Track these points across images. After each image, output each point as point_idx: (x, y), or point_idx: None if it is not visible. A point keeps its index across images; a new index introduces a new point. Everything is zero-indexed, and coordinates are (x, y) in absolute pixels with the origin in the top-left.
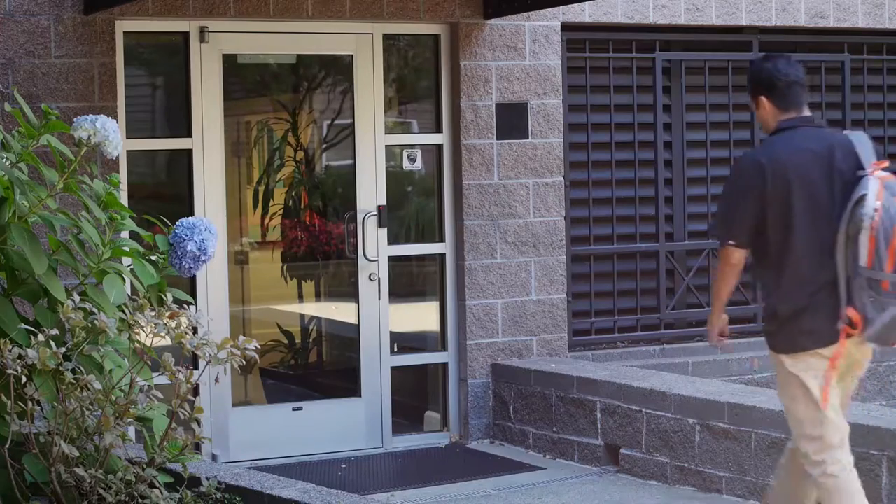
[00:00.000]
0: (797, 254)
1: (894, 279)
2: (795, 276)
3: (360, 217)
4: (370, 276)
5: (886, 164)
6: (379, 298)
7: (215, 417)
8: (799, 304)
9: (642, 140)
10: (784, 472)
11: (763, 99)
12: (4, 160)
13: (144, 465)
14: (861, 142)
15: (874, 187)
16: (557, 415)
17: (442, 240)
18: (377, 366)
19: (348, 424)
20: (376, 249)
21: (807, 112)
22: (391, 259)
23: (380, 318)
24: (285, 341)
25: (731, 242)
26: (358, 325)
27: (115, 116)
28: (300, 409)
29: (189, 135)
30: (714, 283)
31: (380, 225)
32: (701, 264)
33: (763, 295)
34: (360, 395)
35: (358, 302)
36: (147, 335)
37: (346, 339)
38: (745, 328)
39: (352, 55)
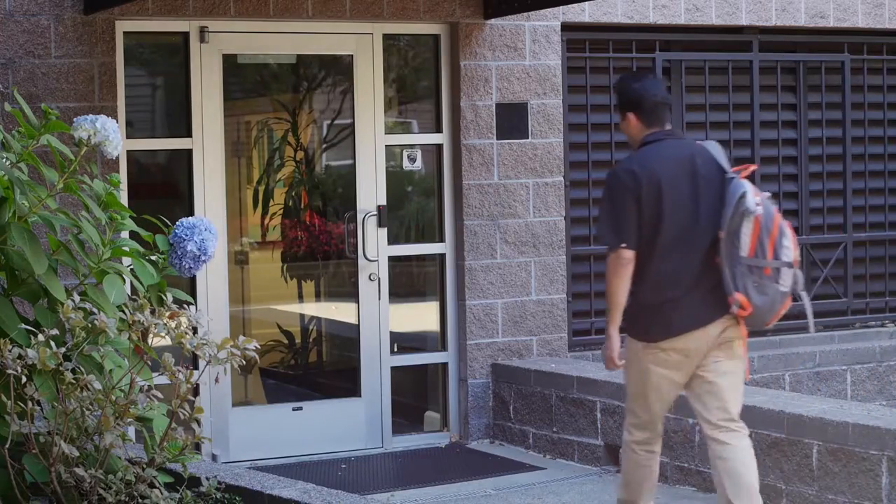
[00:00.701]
0: (664, 250)
1: (775, 265)
2: (660, 270)
3: (360, 217)
4: (370, 276)
5: (753, 167)
6: (379, 298)
7: (215, 417)
8: (664, 295)
9: None
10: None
11: (630, 115)
12: (4, 160)
13: (144, 465)
14: (717, 150)
15: (749, 187)
16: (557, 415)
17: (442, 240)
18: (377, 366)
19: (348, 424)
20: (376, 249)
21: (668, 126)
22: (391, 259)
23: (380, 318)
24: (285, 341)
25: (623, 245)
26: (358, 325)
27: (115, 116)
28: (300, 409)
29: (189, 135)
30: (609, 289)
31: (380, 225)
32: None
33: (632, 285)
34: (360, 395)
35: (358, 302)
36: (150, 336)
37: (346, 339)
38: None
39: (352, 55)
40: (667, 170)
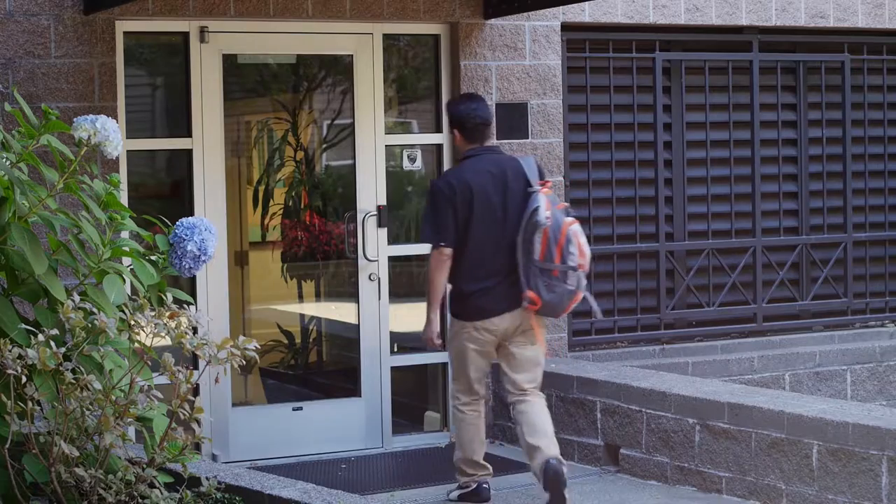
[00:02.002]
0: (475, 248)
1: (562, 268)
2: (473, 264)
3: (360, 217)
4: (370, 276)
5: (549, 183)
6: (379, 298)
7: (215, 417)
8: (477, 285)
9: (642, 140)
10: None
11: (456, 132)
12: (4, 160)
13: (144, 465)
14: (529, 165)
15: (543, 201)
16: (557, 415)
17: None
18: (377, 366)
19: (348, 424)
20: (376, 249)
21: (489, 143)
22: (391, 259)
23: (380, 318)
24: (285, 341)
25: (442, 244)
26: (358, 325)
27: (115, 116)
28: (300, 409)
29: (189, 135)
30: (431, 280)
31: (380, 225)
32: (701, 264)
33: (450, 276)
34: (360, 395)
35: (358, 302)
36: (147, 335)
37: (346, 339)
38: (746, 328)
39: (352, 55)
40: (479, 181)
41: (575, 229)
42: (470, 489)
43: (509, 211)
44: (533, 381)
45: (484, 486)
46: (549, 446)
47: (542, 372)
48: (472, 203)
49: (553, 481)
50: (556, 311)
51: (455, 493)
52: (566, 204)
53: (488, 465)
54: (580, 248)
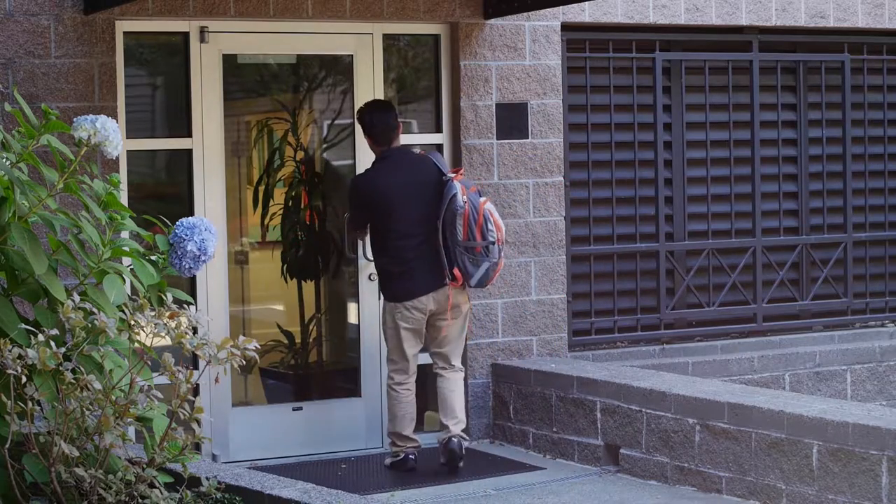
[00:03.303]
0: (398, 236)
1: (483, 244)
2: (397, 250)
3: None
4: (370, 276)
5: (461, 170)
6: (379, 298)
7: (215, 417)
8: (403, 267)
9: (642, 140)
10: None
11: (368, 138)
12: (4, 160)
13: (144, 465)
14: (438, 158)
15: (458, 187)
16: (557, 415)
17: None
18: (377, 366)
19: (348, 424)
20: None
21: (396, 143)
22: None
23: (380, 318)
24: (285, 341)
25: (357, 231)
26: (358, 325)
27: (115, 116)
28: (300, 409)
29: (189, 135)
30: (349, 237)
31: None
32: (701, 264)
33: (375, 261)
34: (360, 395)
35: (358, 302)
36: (147, 335)
37: (347, 339)
38: (746, 328)
39: (352, 55)
40: (392, 178)
41: (489, 207)
42: (398, 458)
43: (426, 200)
44: (457, 355)
45: (410, 456)
46: (456, 425)
47: (465, 344)
48: (388, 197)
49: (451, 456)
50: (483, 282)
51: (388, 461)
52: (476, 187)
53: (417, 439)
54: (496, 224)
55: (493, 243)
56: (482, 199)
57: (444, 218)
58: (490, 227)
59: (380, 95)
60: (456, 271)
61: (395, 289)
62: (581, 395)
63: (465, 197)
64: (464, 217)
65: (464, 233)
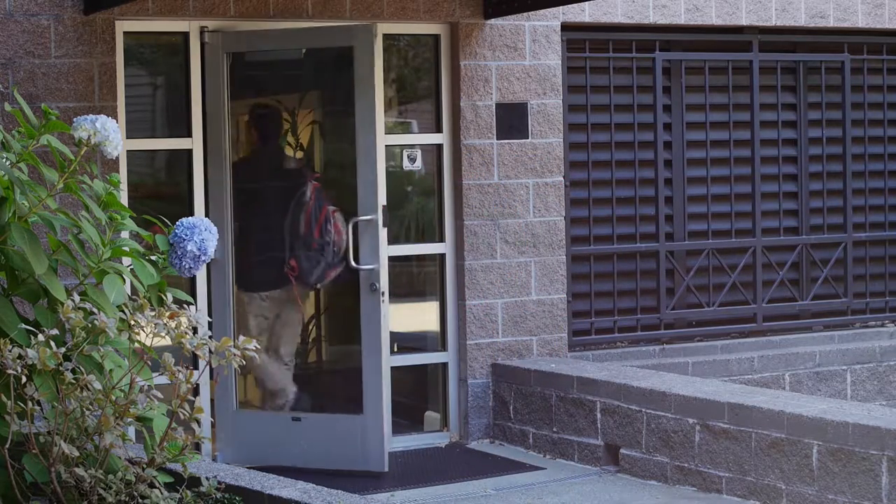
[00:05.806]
0: (258, 233)
1: (319, 242)
2: (257, 246)
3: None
4: (371, 285)
5: (318, 175)
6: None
7: (216, 418)
8: (260, 259)
9: (642, 140)
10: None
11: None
12: (4, 160)
13: (144, 465)
14: None
15: (309, 190)
16: (557, 415)
17: (442, 240)
18: (377, 366)
19: (349, 424)
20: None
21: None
22: (391, 259)
23: (380, 318)
24: None
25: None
26: (358, 325)
27: (115, 116)
28: (298, 420)
29: (189, 135)
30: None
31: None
32: (701, 264)
33: (241, 258)
34: (360, 396)
35: (358, 302)
36: (147, 335)
37: (347, 339)
38: (746, 328)
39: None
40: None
41: (333, 211)
42: None
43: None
44: (293, 342)
45: None
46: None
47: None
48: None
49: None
50: (316, 280)
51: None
52: (315, 186)
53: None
54: (336, 228)
55: (329, 243)
56: (329, 206)
57: (292, 215)
58: (329, 228)
59: (380, 95)
60: (293, 262)
61: (252, 280)
62: (581, 395)
63: (312, 197)
64: (306, 213)
65: (305, 229)
